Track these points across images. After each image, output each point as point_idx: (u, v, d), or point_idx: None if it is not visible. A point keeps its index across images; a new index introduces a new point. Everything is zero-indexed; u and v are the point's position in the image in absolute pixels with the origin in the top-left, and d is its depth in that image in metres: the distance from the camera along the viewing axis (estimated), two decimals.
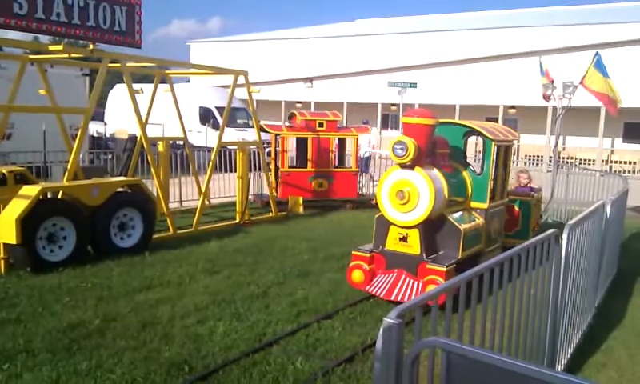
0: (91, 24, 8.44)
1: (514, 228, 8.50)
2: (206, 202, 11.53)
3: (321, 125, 13.24)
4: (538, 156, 27.11)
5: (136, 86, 10.60)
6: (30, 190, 7.39)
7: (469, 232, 6.79)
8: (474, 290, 3.16)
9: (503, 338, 3.64)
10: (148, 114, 11.17)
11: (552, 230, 4.35)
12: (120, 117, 22.35)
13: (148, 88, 12.41)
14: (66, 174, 8.26)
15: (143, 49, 9.96)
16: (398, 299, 6.16)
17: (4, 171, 9.23)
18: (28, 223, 7.15)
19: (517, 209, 8.57)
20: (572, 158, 26.71)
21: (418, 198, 6.38)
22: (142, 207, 8.62)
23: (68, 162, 8.55)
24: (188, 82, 30.07)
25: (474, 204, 7.22)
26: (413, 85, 21.83)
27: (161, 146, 11.38)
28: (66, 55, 9.41)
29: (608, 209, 6.27)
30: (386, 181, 6.61)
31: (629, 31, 26.71)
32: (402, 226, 6.56)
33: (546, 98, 14.00)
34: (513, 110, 28.63)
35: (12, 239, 7.05)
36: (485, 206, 7.17)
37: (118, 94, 24.17)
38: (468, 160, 7.75)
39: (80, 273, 7.36)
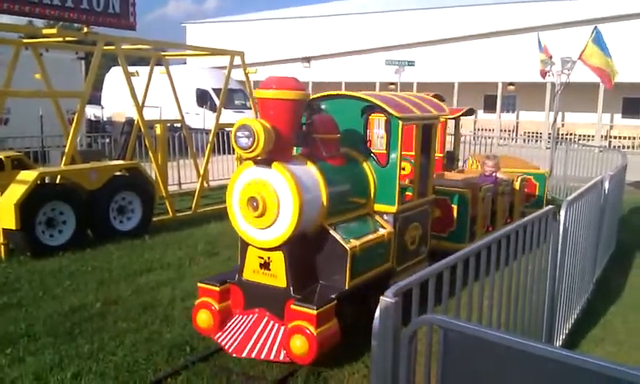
0: (85, 7, 8.37)
1: (448, 228, 6.73)
2: (205, 185, 11.51)
3: None
4: (536, 133, 27.07)
5: (132, 69, 10.52)
6: (28, 175, 7.39)
7: (363, 250, 4.82)
8: (471, 267, 3.17)
9: (501, 314, 3.66)
10: (144, 96, 11.11)
11: (550, 207, 4.35)
12: (117, 100, 22.24)
13: (144, 70, 12.33)
14: (64, 158, 8.25)
15: (138, 31, 9.89)
16: (252, 356, 4.41)
17: (1, 157, 9.22)
18: (27, 208, 7.15)
19: (452, 205, 6.69)
20: (571, 134, 26.68)
21: (277, 207, 4.44)
22: (140, 190, 8.62)
23: (65, 146, 8.53)
24: (184, 63, 29.89)
25: (378, 206, 5.32)
26: (410, 63, 21.72)
27: (158, 129, 11.34)
28: (61, 39, 9.33)
29: (606, 184, 6.27)
30: (237, 182, 4.68)
31: (628, 5, 26.50)
32: (261, 248, 4.63)
33: (543, 74, 13.94)
34: (512, 87, 28.52)
35: (11, 224, 7.06)
36: (393, 208, 5.26)
37: (114, 76, 24.04)
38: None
39: (80, 257, 7.39)
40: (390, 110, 5.20)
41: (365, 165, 5.37)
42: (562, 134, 25.67)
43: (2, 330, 5.17)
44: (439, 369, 2.28)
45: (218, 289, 4.73)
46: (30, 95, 9.79)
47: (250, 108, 15.27)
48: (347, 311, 4.70)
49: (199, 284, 4.85)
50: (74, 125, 8.44)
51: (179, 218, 9.87)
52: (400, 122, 5.21)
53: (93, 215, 8.00)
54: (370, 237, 5.00)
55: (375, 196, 5.34)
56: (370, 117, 5.75)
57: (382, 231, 5.17)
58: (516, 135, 26.18)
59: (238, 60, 11.39)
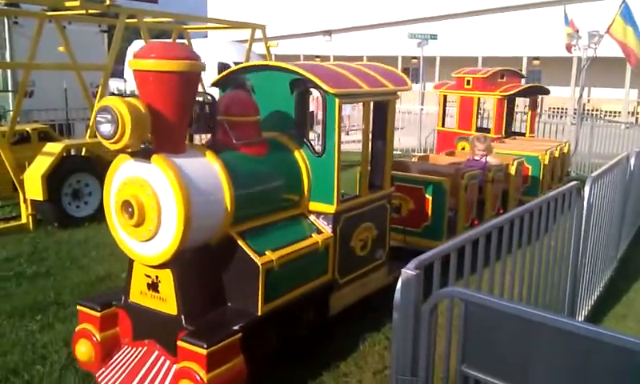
0: None
1: (422, 223, 5.93)
2: None
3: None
4: (562, 108, 26.63)
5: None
6: (54, 147, 7.51)
7: (284, 264, 3.80)
8: (493, 242, 3.17)
9: (522, 290, 3.66)
10: None
11: (574, 182, 4.32)
12: None
13: None
14: (89, 130, 8.36)
15: (160, 4, 9.90)
16: None
17: (27, 129, 9.37)
18: (53, 180, 7.28)
19: (427, 196, 5.87)
20: (597, 109, 26.20)
21: (157, 215, 3.40)
22: (100, 173, 8.69)
23: (90, 119, 8.63)
24: (206, 37, 29.86)
25: (314, 205, 4.34)
26: (433, 36, 21.41)
27: None
28: (83, 11, 9.38)
29: (632, 160, 6.18)
30: (113, 181, 3.72)
31: None
32: (147, 264, 3.61)
33: (569, 48, 13.67)
34: (537, 62, 28.01)
35: (39, 196, 7.20)
36: (331, 208, 4.27)
37: (137, 50, 24.10)
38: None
39: (105, 228, 7.41)
40: (322, 84, 4.10)
41: (297, 154, 4.30)
42: (588, 110, 25.21)
43: (31, 298, 5.32)
44: (460, 342, 2.31)
45: (98, 314, 3.76)
46: (54, 68, 9.89)
47: None
48: (271, 336, 3.91)
49: (78, 306, 3.92)
50: (97, 97, 8.52)
51: None
52: (336, 99, 4.13)
53: None
54: (298, 245, 3.97)
55: (310, 192, 4.34)
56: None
57: (315, 237, 4.14)
58: (540, 110, 25.78)
59: (259, 33, 11.36)
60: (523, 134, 10.92)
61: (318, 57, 33.63)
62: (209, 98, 3.79)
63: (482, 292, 2.50)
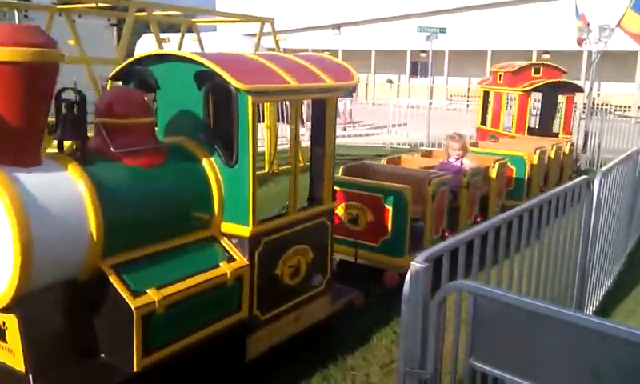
0: None
1: (381, 237, 5.29)
2: None
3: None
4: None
5: (163, 36, 10.58)
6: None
7: (172, 305, 3.04)
8: (502, 236, 3.17)
9: (531, 284, 3.66)
10: None
11: (583, 176, 4.30)
12: None
13: (175, 37, 12.39)
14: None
15: None
16: None
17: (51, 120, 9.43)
18: None
19: (386, 206, 5.26)
20: (607, 104, 26.02)
21: None
22: None
23: None
24: (215, 30, 29.89)
25: (227, 226, 3.55)
26: (442, 30, 21.32)
27: None
28: (93, 5, 9.42)
29: None
30: None
31: None
32: None
33: (580, 42, 13.59)
34: (547, 55, 27.85)
35: None
36: (245, 230, 3.48)
37: (146, 44, 24.18)
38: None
39: None
40: (230, 79, 3.26)
41: (205, 163, 3.49)
42: (598, 105, 25.05)
43: None
44: (468, 335, 2.31)
45: None
46: (65, 61, 9.91)
47: None
48: None
49: None
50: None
51: None
52: (249, 97, 3.30)
53: None
54: (197, 279, 3.18)
55: (223, 211, 3.54)
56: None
57: (224, 267, 3.34)
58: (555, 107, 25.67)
59: (268, 27, 11.36)
60: (556, 135, 10.32)
61: (326, 50, 33.62)
62: (77, 95, 3.04)
63: (490, 285, 2.51)
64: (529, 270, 3.59)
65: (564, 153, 9.07)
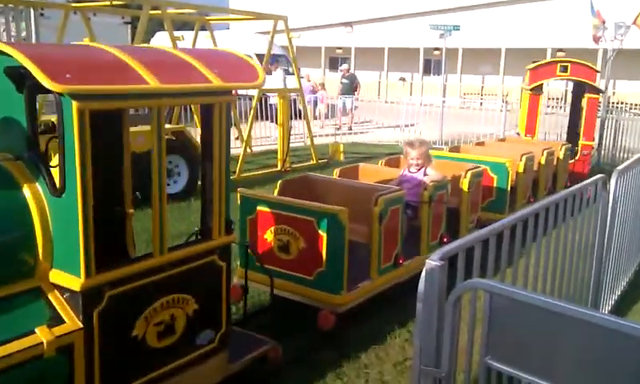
0: None
1: (315, 269, 4.40)
2: (248, 150, 11.66)
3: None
4: None
5: (177, 34, 10.65)
6: None
7: None
8: (518, 234, 3.16)
9: (546, 284, 3.64)
10: None
11: (600, 175, 4.27)
12: None
13: (189, 35, 12.45)
14: None
15: None
16: None
17: (53, 120, 9.53)
18: None
19: (320, 233, 4.30)
20: (622, 103, 25.75)
21: None
22: (186, 154, 8.79)
23: None
24: (228, 28, 29.97)
25: (57, 276, 2.68)
26: (456, 28, 21.19)
27: None
28: (108, 3, 9.49)
29: None
30: None
31: None
32: None
33: (596, 40, 13.46)
34: (561, 53, 27.60)
35: None
36: (76, 282, 2.60)
37: (159, 41, 24.30)
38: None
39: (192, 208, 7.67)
40: (42, 76, 2.36)
41: (27, 189, 2.69)
42: (613, 103, 24.81)
43: None
44: (484, 334, 2.31)
45: None
46: None
47: (293, 73, 15.26)
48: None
49: None
50: None
51: None
52: (74, 103, 2.44)
53: (140, 177, 8.20)
54: None
55: (51, 254, 2.69)
56: None
57: (41, 333, 2.46)
58: (564, 103, 25.42)
59: (281, 24, 11.37)
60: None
61: (339, 48, 33.59)
62: None
63: (506, 284, 2.50)
64: (544, 269, 3.57)
65: (558, 158, 8.16)
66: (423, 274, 2.36)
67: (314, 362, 4.13)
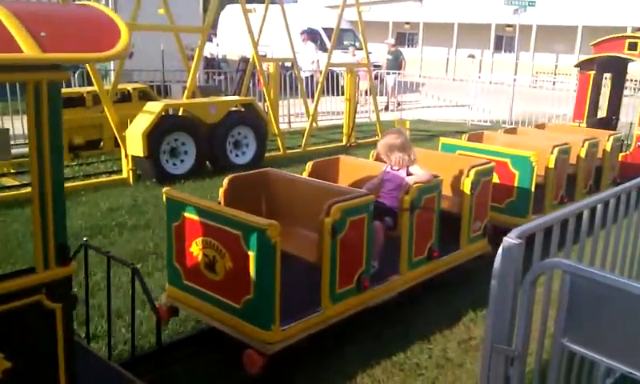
0: None
1: (243, 296, 3.49)
2: (314, 124, 11.72)
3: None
4: None
5: (248, 6, 10.74)
6: (154, 107, 7.89)
7: None
8: (598, 216, 3.06)
9: (624, 266, 3.52)
10: (259, 34, 11.34)
11: None
12: (231, 38, 22.85)
13: (260, 8, 12.54)
14: (186, 91, 8.69)
15: None
16: None
17: (129, 88, 9.89)
18: (153, 137, 7.67)
19: (249, 252, 3.40)
20: None
21: None
22: (255, 126, 8.94)
23: (186, 80, 8.97)
24: (296, 2, 29.99)
25: None
26: (531, 3, 20.38)
27: (272, 67, 11.58)
28: None
29: None
30: None
31: None
32: None
33: None
34: None
35: (139, 152, 7.61)
36: None
37: (230, 15, 24.59)
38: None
39: (199, 185, 7.86)
40: None
41: None
42: None
43: (133, 247, 5.69)
44: (561, 315, 2.26)
45: None
46: (156, 29, 10.32)
47: (361, 48, 15.12)
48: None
49: None
50: (195, 60, 8.84)
51: (289, 154, 10.16)
52: None
53: (211, 147, 8.42)
54: None
55: None
56: None
57: None
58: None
59: None
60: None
61: (407, 23, 33.00)
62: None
63: (586, 265, 2.44)
64: (623, 251, 3.45)
65: (604, 151, 6.95)
66: (500, 251, 2.33)
67: (378, 330, 4.17)
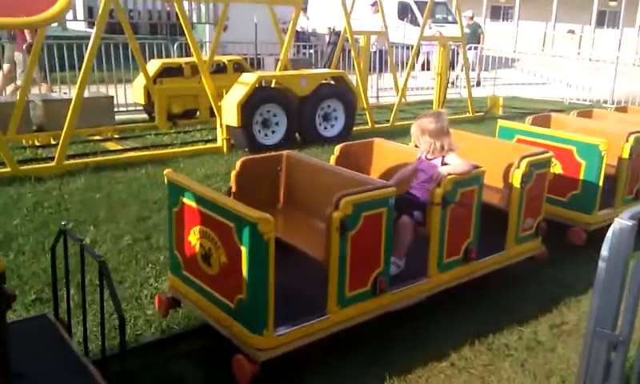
0: None
1: (236, 294, 3.14)
2: (403, 99, 11.60)
3: None
4: None
5: None
6: (249, 78, 8.08)
7: None
8: None
9: None
10: (352, 7, 11.31)
11: None
12: (322, 11, 22.88)
13: None
14: (279, 64, 8.85)
15: None
16: None
17: (224, 60, 10.20)
18: (247, 108, 7.88)
19: (240, 246, 3.05)
20: None
21: None
22: (344, 99, 8.98)
23: (277, 53, 9.12)
24: None
25: None
26: None
27: (362, 41, 11.53)
28: None
29: None
30: None
31: None
32: None
33: None
34: None
35: (234, 122, 7.86)
36: None
37: None
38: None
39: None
40: None
41: None
42: None
43: None
44: None
45: None
46: (249, 1, 10.51)
47: (454, 22, 14.75)
48: None
49: None
50: (289, 33, 8.96)
51: (377, 129, 10.14)
52: None
53: (301, 119, 8.55)
54: None
55: None
56: None
57: None
58: None
59: None
60: None
61: None
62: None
63: None
64: None
65: None
66: (610, 233, 2.26)
67: (471, 311, 4.14)
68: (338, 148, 4.48)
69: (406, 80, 11.21)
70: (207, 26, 14.05)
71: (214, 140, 8.62)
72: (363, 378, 3.42)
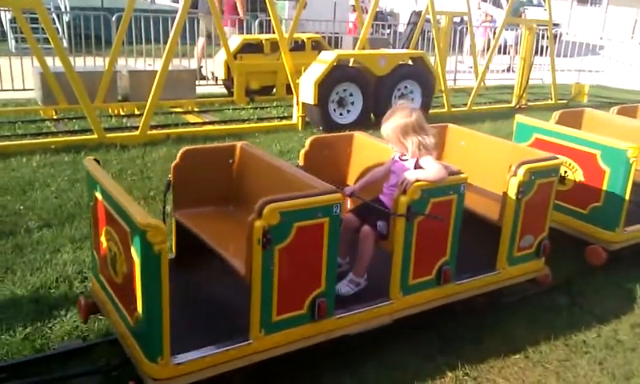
0: None
1: (135, 311, 2.65)
2: (482, 84, 11.30)
3: None
4: None
5: None
6: (328, 56, 8.09)
7: None
8: None
9: None
10: None
11: None
12: None
13: None
14: (358, 43, 8.80)
15: None
16: None
17: (303, 38, 10.25)
18: (324, 86, 7.91)
19: (134, 257, 2.52)
20: None
21: None
22: (422, 80, 8.84)
23: (361, 32, 9.07)
24: None
25: None
26: None
27: (444, 21, 11.28)
28: None
29: None
30: None
31: None
32: None
33: None
34: None
35: (310, 100, 7.91)
36: None
37: None
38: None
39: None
40: None
41: None
42: None
43: None
44: None
45: None
46: None
47: (539, 5, 14.19)
48: None
49: None
50: (370, 12, 8.89)
51: (454, 112, 9.95)
52: None
53: (377, 99, 8.50)
54: None
55: None
56: None
57: None
58: None
59: None
60: None
61: None
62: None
63: None
64: None
65: None
66: None
67: (554, 297, 4.03)
68: (308, 141, 3.82)
69: (488, 63, 10.88)
70: (287, 2, 14.16)
71: (290, 117, 8.71)
72: (431, 363, 3.40)
